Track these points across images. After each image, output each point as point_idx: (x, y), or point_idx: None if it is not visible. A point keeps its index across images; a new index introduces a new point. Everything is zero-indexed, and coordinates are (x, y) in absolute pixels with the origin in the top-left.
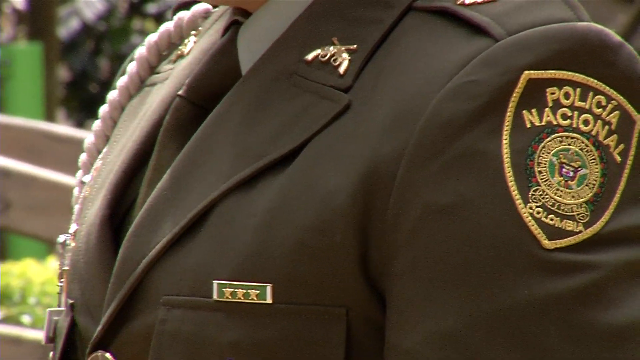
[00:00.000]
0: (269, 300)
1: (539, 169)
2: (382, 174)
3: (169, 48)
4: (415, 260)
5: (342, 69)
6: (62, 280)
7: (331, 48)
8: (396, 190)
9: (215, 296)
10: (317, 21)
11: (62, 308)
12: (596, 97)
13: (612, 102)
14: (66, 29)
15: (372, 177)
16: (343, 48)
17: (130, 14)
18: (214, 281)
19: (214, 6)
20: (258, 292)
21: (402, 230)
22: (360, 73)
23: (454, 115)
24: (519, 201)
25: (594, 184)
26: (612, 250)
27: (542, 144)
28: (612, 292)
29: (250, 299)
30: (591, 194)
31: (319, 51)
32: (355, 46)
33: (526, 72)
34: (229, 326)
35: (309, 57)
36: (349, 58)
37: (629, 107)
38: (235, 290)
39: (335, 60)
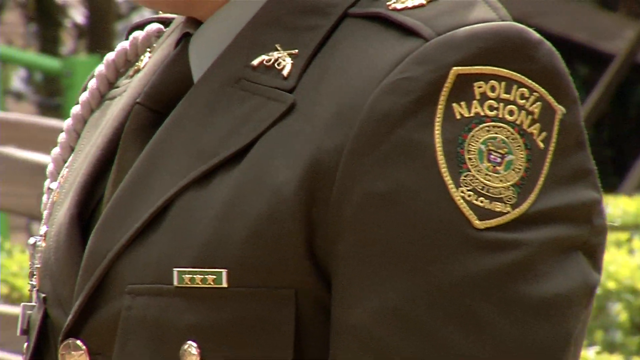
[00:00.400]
0: (224, 285)
1: (469, 156)
2: (326, 166)
3: (125, 65)
4: (358, 242)
5: (285, 72)
6: (33, 277)
7: (275, 53)
8: (338, 180)
9: (175, 282)
10: (260, 30)
11: (34, 303)
12: (520, 89)
13: (534, 93)
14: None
15: (317, 169)
16: (285, 53)
17: None
18: (174, 269)
19: (163, 23)
20: (215, 277)
21: (344, 215)
22: (303, 74)
23: (390, 109)
24: (451, 185)
25: (519, 169)
26: (538, 229)
27: (472, 133)
28: (539, 267)
29: (208, 284)
30: (517, 178)
31: (263, 57)
32: (296, 51)
33: (455, 68)
34: (189, 310)
35: (255, 62)
36: (292, 62)
37: (549, 98)
38: (194, 276)
39: (279, 64)
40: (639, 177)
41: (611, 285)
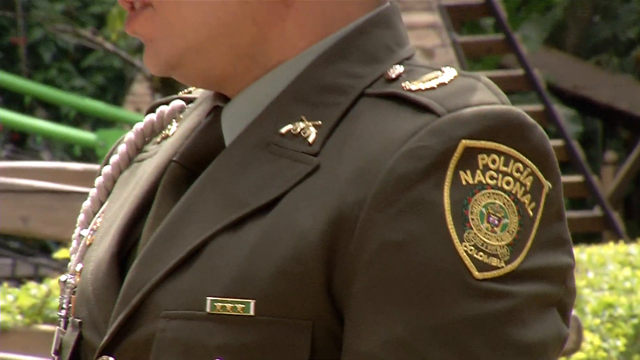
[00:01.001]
0: (252, 313)
1: (472, 217)
2: (347, 216)
3: (151, 135)
4: (372, 282)
5: (310, 139)
6: (62, 310)
7: (300, 124)
8: (358, 229)
9: (208, 309)
10: (287, 104)
11: (68, 328)
12: (516, 164)
13: (527, 169)
14: None
15: (339, 219)
16: (310, 123)
17: None
18: (207, 297)
19: (184, 100)
20: (243, 306)
21: (361, 260)
22: (326, 142)
23: (406, 172)
24: (456, 240)
25: (513, 231)
26: (525, 284)
27: (475, 197)
28: (524, 316)
29: (237, 312)
30: (511, 239)
31: (290, 126)
32: (320, 122)
33: (463, 141)
34: (219, 333)
35: (283, 130)
36: (316, 131)
37: (539, 174)
38: (225, 304)
39: (304, 133)
40: None
41: None
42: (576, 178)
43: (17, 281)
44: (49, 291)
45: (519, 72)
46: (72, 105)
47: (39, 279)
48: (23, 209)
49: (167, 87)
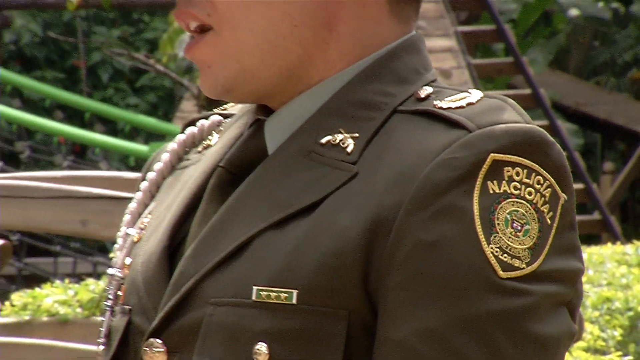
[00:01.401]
0: (294, 302)
1: (498, 222)
2: (385, 218)
3: (191, 145)
4: (407, 277)
5: (349, 149)
6: (109, 300)
7: (339, 135)
8: (395, 230)
9: (253, 297)
10: (327, 117)
11: (116, 315)
12: (537, 177)
13: (547, 181)
14: None
15: (377, 220)
16: (348, 135)
17: None
18: (253, 286)
19: (222, 115)
20: (287, 295)
21: (397, 257)
22: (363, 152)
23: (440, 180)
24: (484, 242)
25: (533, 236)
26: (543, 284)
27: (500, 205)
28: (541, 312)
29: (280, 300)
30: (531, 243)
31: (330, 137)
32: (357, 134)
33: (492, 154)
34: (263, 318)
35: (323, 140)
36: (354, 142)
37: (556, 187)
38: (270, 293)
39: (343, 143)
40: None
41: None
42: (578, 186)
43: (78, 278)
44: (104, 288)
45: (527, 91)
46: (127, 120)
47: (97, 276)
48: (83, 214)
49: (212, 104)
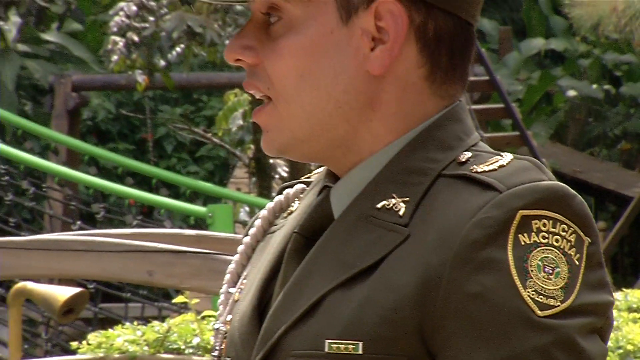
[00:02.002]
0: (360, 352)
1: (531, 269)
2: (433, 276)
3: (279, 211)
4: (459, 326)
5: (401, 213)
6: (215, 350)
7: (392, 200)
8: (444, 285)
9: (326, 349)
10: (381, 185)
11: None
12: (562, 225)
13: (571, 228)
14: None
15: (427, 278)
16: (400, 200)
17: None
18: (325, 340)
19: (305, 184)
20: (354, 346)
21: (448, 309)
22: (413, 215)
23: (478, 238)
24: (521, 288)
25: (564, 277)
26: (576, 317)
27: (532, 254)
28: (576, 342)
29: (348, 351)
30: (563, 283)
31: (385, 202)
32: (408, 198)
33: (520, 211)
34: None
35: (379, 205)
36: (405, 206)
37: (580, 233)
38: (339, 345)
39: (396, 207)
40: None
41: (629, 347)
42: None
43: (145, 320)
44: (168, 328)
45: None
46: (188, 185)
47: (162, 319)
48: (149, 265)
49: (260, 171)
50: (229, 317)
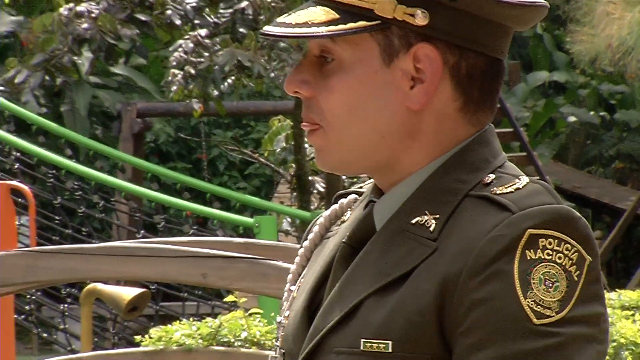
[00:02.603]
0: (390, 350)
1: (533, 281)
2: (451, 284)
3: (335, 219)
4: (468, 328)
5: (432, 228)
6: (277, 341)
7: (425, 216)
8: (457, 292)
9: (361, 348)
10: (416, 202)
11: (277, 355)
12: (565, 245)
13: (574, 248)
14: None
15: (445, 285)
16: (431, 217)
17: None
18: (361, 339)
19: (357, 194)
20: (384, 345)
21: (460, 313)
22: (442, 230)
23: (490, 252)
24: (522, 298)
25: (562, 291)
26: (570, 327)
27: (536, 268)
28: (569, 348)
29: (380, 349)
30: (560, 297)
31: (418, 218)
32: (438, 215)
33: (529, 230)
34: None
35: (413, 221)
36: (435, 222)
37: (583, 252)
38: (372, 344)
39: (427, 223)
40: (638, 279)
41: (622, 340)
42: None
43: (200, 317)
44: (220, 323)
45: (536, 178)
46: (238, 199)
47: (214, 315)
48: (203, 269)
49: (300, 187)
50: (287, 313)
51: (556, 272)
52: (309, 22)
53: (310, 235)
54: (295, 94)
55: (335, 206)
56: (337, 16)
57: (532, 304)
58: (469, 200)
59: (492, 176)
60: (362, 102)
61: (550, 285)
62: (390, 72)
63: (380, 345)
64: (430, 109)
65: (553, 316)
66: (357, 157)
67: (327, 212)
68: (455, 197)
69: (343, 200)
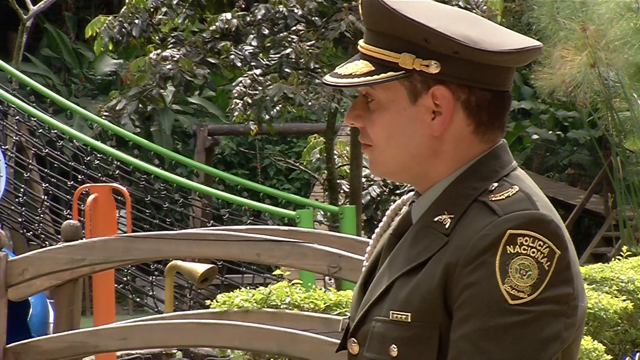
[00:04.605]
0: (409, 320)
1: (511, 271)
2: (451, 270)
3: (398, 211)
4: (459, 305)
5: (447, 226)
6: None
7: (444, 216)
8: (455, 277)
9: (390, 317)
10: (439, 204)
11: (346, 318)
12: (538, 242)
13: (546, 244)
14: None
15: (447, 270)
16: (448, 216)
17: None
18: (390, 311)
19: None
20: (405, 316)
21: (455, 293)
22: (454, 227)
23: (479, 247)
24: (500, 283)
25: (534, 278)
26: (540, 306)
27: (513, 260)
28: (537, 323)
29: (402, 319)
30: (532, 282)
31: (439, 217)
32: (453, 215)
33: (509, 230)
34: (394, 330)
35: (435, 219)
36: (450, 221)
37: (553, 247)
38: (398, 315)
39: (444, 222)
40: (585, 259)
41: None
42: None
43: (255, 286)
44: (270, 291)
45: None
46: (283, 197)
47: (266, 285)
48: (257, 249)
49: (330, 188)
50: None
51: (529, 263)
52: (352, 74)
53: (381, 224)
54: (352, 125)
55: (398, 202)
56: (373, 68)
57: (508, 288)
58: (476, 204)
59: (496, 184)
60: (396, 131)
61: (524, 273)
62: (416, 109)
63: (402, 316)
64: (448, 133)
65: (525, 298)
66: (397, 170)
67: (393, 206)
68: (467, 200)
69: (404, 197)
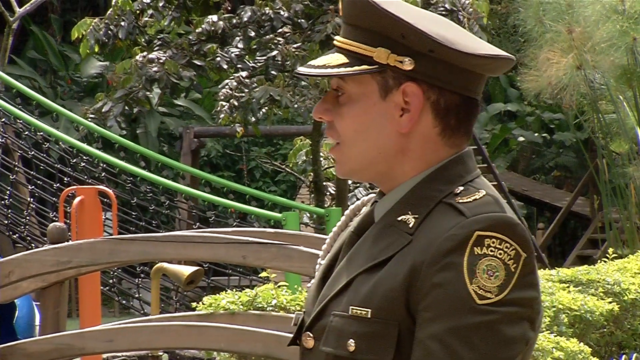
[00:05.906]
0: (369, 317)
1: (478, 271)
2: (417, 269)
3: (357, 211)
4: (426, 305)
5: (410, 225)
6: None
7: (407, 215)
8: (421, 277)
9: (349, 313)
10: (403, 204)
11: (301, 313)
12: (505, 244)
13: (512, 246)
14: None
15: (413, 270)
16: (412, 216)
17: None
18: (350, 307)
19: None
20: (365, 312)
21: (422, 292)
22: (418, 227)
23: (445, 247)
24: (468, 283)
25: (501, 279)
26: (505, 307)
27: (481, 261)
28: (503, 324)
29: (362, 315)
30: (499, 283)
31: (403, 216)
32: (417, 215)
33: (477, 232)
34: (353, 325)
35: (399, 218)
36: (414, 220)
37: (519, 249)
38: (358, 311)
39: (408, 221)
40: (571, 260)
41: (560, 306)
42: None
43: (240, 288)
44: (256, 293)
45: (494, 183)
46: (269, 199)
47: (252, 287)
48: (243, 252)
49: (316, 190)
50: (312, 281)
51: (497, 265)
52: (326, 65)
53: (339, 223)
54: (319, 119)
55: (358, 202)
56: (347, 61)
57: (476, 289)
58: (441, 206)
59: (462, 188)
60: (364, 126)
61: (492, 274)
62: (386, 104)
63: (362, 311)
64: (415, 132)
65: (493, 298)
66: (362, 168)
67: (352, 206)
68: (431, 202)
69: (364, 199)
